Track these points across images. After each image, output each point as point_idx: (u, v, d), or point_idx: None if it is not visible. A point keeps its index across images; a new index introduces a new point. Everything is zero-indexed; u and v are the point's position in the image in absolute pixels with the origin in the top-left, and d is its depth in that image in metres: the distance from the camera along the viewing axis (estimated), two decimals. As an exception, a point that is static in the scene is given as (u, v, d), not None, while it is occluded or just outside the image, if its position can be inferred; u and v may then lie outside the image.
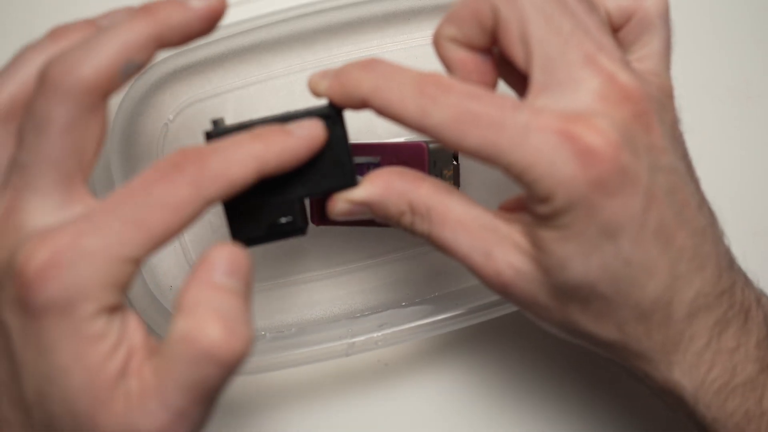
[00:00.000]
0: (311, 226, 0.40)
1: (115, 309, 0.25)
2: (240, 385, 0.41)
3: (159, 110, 0.40)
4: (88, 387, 0.24)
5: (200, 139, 0.40)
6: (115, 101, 0.37)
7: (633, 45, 0.31)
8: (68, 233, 0.24)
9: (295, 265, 0.41)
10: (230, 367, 0.25)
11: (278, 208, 0.29)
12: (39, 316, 0.24)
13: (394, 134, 0.40)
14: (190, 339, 0.24)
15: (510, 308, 0.38)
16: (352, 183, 0.29)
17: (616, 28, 0.30)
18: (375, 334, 0.37)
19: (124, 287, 0.25)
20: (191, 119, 0.40)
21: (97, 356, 0.24)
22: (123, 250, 0.24)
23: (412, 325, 0.38)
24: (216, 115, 0.40)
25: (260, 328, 0.40)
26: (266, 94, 0.40)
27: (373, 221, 0.35)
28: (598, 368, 0.42)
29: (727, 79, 0.43)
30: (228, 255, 0.26)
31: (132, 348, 0.25)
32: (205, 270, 0.25)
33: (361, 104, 0.28)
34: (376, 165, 0.35)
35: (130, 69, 0.26)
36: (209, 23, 0.28)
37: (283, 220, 0.29)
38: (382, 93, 0.27)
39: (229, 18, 0.36)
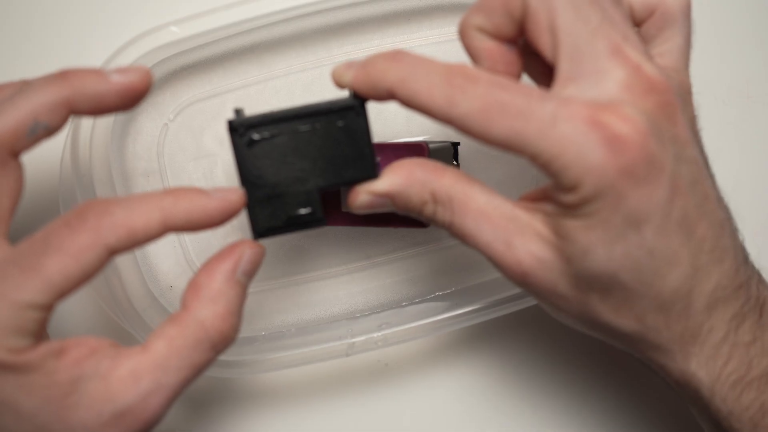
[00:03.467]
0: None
1: (25, 349, 0.26)
2: (240, 384, 0.41)
3: (159, 110, 0.40)
4: (47, 407, 0.26)
5: (200, 139, 0.40)
6: (115, 101, 0.37)
7: (654, 40, 0.31)
8: None
9: (295, 265, 0.41)
10: (220, 354, 0.28)
11: (298, 199, 0.29)
12: None
13: (394, 134, 0.40)
14: (207, 328, 0.27)
15: (510, 309, 0.38)
16: (373, 175, 0.29)
17: (638, 23, 0.31)
18: (375, 334, 0.37)
19: (32, 332, 0.26)
20: (191, 119, 0.40)
21: (42, 384, 0.26)
22: (21, 296, 0.25)
23: (412, 325, 0.38)
24: (216, 115, 0.40)
25: (260, 328, 0.40)
26: (266, 94, 0.40)
27: (373, 221, 0.35)
28: (602, 373, 0.42)
29: (727, 79, 0.43)
30: (252, 254, 0.29)
31: (83, 359, 0.26)
32: (231, 263, 0.28)
33: (387, 95, 0.28)
34: (378, 168, 0.35)
35: (38, 129, 0.27)
36: (127, 100, 0.28)
37: (303, 211, 0.30)
38: (409, 84, 0.27)
39: (229, 18, 0.36)
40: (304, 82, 0.40)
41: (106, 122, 0.37)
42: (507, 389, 0.42)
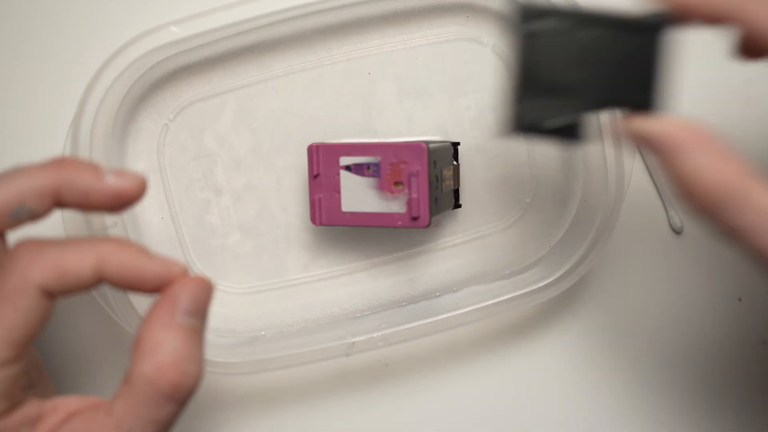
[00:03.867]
0: (311, 226, 0.40)
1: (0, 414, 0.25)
2: (240, 384, 0.41)
3: (159, 110, 0.40)
4: None
5: (200, 139, 0.40)
6: (116, 101, 0.37)
7: None
8: None
9: (296, 265, 0.41)
10: (185, 404, 0.26)
11: (566, 107, 0.27)
12: None
13: (395, 134, 0.40)
14: (153, 382, 0.25)
15: (510, 309, 0.38)
16: (651, 106, 0.27)
17: None
18: (375, 334, 0.37)
19: (4, 394, 0.25)
20: (191, 119, 0.40)
21: None
22: None
23: (412, 325, 0.38)
24: (216, 115, 0.40)
25: (260, 328, 0.40)
26: (266, 94, 0.40)
27: (373, 221, 0.35)
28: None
29: (727, 79, 0.43)
30: (192, 291, 0.26)
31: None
32: (166, 308, 0.26)
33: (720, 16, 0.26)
34: (376, 165, 0.35)
35: (22, 213, 0.26)
36: (116, 203, 0.27)
37: (566, 121, 0.27)
38: None
39: (229, 18, 0.36)
40: (304, 82, 0.40)
41: (106, 122, 0.37)
42: (507, 389, 0.42)
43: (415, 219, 0.34)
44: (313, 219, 0.36)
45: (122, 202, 0.27)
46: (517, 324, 0.42)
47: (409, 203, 0.34)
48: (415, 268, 0.41)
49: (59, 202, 0.27)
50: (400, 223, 0.35)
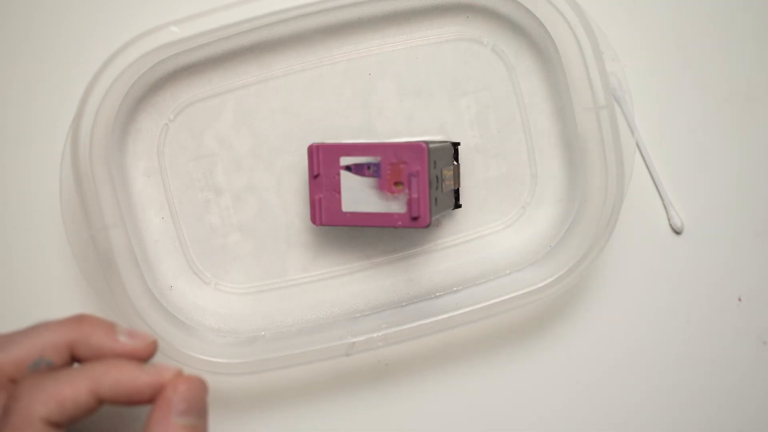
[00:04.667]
0: (311, 226, 0.40)
1: None
2: (240, 384, 0.41)
3: (159, 110, 0.40)
4: None
5: (200, 139, 0.40)
6: (116, 101, 0.37)
7: None
8: None
9: (296, 265, 0.41)
10: None
11: None
12: None
13: (395, 134, 0.40)
14: None
15: (511, 310, 0.38)
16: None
17: None
18: (375, 334, 0.37)
19: None
20: (191, 119, 0.40)
21: None
22: None
23: (412, 325, 0.38)
24: (216, 115, 0.40)
25: (260, 328, 0.40)
26: (266, 94, 0.40)
27: (373, 221, 0.35)
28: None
29: (727, 79, 0.43)
30: (184, 392, 0.28)
31: None
32: (164, 412, 0.28)
33: None
34: (377, 165, 0.35)
35: (41, 364, 0.28)
36: (133, 357, 0.29)
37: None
38: None
39: (229, 18, 0.36)
40: (304, 82, 0.40)
41: (106, 122, 0.37)
42: (507, 389, 0.42)
43: (415, 219, 0.34)
44: (313, 219, 0.36)
45: (138, 358, 0.29)
46: (517, 324, 0.42)
47: (410, 203, 0.34)
48: (415, 268, 0.41)
49: (73, 355, 0.29)
50: (400, 223, 0.35)
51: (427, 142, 0.35)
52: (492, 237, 0.41)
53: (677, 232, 0.42)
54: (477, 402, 0.42)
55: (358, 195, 0.35)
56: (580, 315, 0.42)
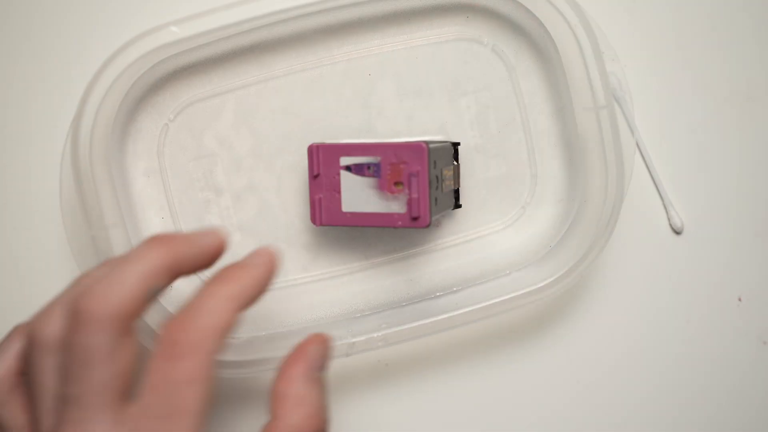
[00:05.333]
0: (311, 226, 0.40)
1: None
2: (240, 384, 0.41)
3: (159, 110, 0.40)
4: None
5: (200, 139, 0.40)
6: (116, 101, 0.37)
7: None
8: None
9: (296, 265, 0.41)
10: None
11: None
12: None
13: (395, 134, 0.40)
14: (301, 429, 0.29)
15: (511, 310, 0.38)
16: None
17: None
18: (375, 334, 0.37)
19: None
20: (191, 119, 0.40)
21: None
22: None
23: (412, 325, 0.38)
24: (216, 115, 0.40)
25: (260, 328, 0.40)
26: (266, 94, 0.40)
27: (372, 221, 0.35)
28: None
29: (727, 79, 0.43)
30: (321, 349, 0.31)
31: None
32: (304, 366, 0.30)
33: None
34: (377, 165, 0.35)
35: (151, 295, 0.27)
36: (213, 260, 0.30)
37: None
38: None
39: (229, 18, 0.36)
40: (304, 82, 0.40)
41: (106, 122, 0.37)
42: (507, 389, 0.42)
43: (415, 219, 0.34)
44: (313, 219, 0.36)
45: (220, 255, 0.30)
46: (517, 324, 0.42)
47: (409, 203, 0.34)
48: (415, 268, 0.41)
49: (177, 275, 0.28)
50: (400, 223, 0.35)
51: (427, 142, 0.35)
52: (492, 237, 0.41)
53: (677, 232, 0.42)
54: (477, 402, 0.42)
55: (358, 195, 0.35)
56: (580, 315, 0.42)
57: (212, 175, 0.40)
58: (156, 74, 0.39)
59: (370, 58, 0.40)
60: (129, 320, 0.26)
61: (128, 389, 0.26)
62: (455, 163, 0.39)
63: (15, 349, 0.29)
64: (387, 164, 0.34)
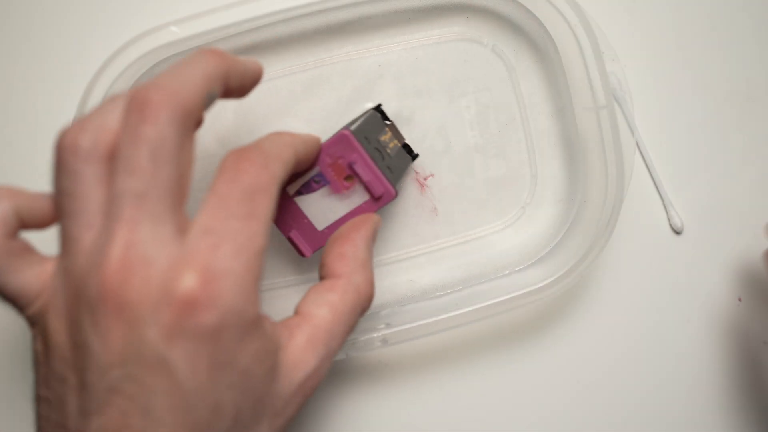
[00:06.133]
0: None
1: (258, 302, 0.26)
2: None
3: (159, 110, 0.40)
4: (269, 376, 0.26)
5: (200, 139, 0.40)
6: (115, 101, 0.37)
7: None
8: (202, 253, 0.24)
9: (296, 265, 0.41)
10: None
11: None
12: (214, 339, 0.24)
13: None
14: (361, 291, 0.30)
15: (511, 310, 0.38)
16: None
17: None
18: (375, 334, 0.37)
19: (260, 281, 0.26)
20: (191, 119, 0.40)
21: (266, 350, 0.26)
22: (256, 243, 0.25)
23: (412, 325, 0.38)
24: (216, 115, 0.40)
25: (260, 328, 0.40)
26: (266, 94, 0.40)
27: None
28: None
29: (727, 79, 0.43)
30: (378, 225, 0.32)
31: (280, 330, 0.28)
32: (370, 232, 0.31)
33: None
34: (319, 175, 0.34)
35: (210, 99, 0.27)
36: (255, 83, 0.30)
37: None
38: None
39: (229, 18, 0.36)
40: (304, 82, 0.40)
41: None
42: (507, 389, 0.42)
43: (380, 198, 0.34)
44: (301, 254, 0.36)
45: (257, 82, 0.30)
46: (517, 324, 0.42)
47: (367, 188, 0.34)
48: (415, 268, 0.41)
49: (227, 87, 0.28)
50: (375, 208, 0.34)
51: (347, 128, 0.34)
52: (492, 237, 0.41)
53: (677, 232, 0.42)
54: (477, 402, 0.42)
55: (322, 209, 0.35)
56: (580, 315, 0.42)
57: (212, 176, 0.40)
58: (156, 74, 0.39)
59: (370, 58, 0.40)
60: (194, 118, 0.25)
61: (185, 199, 0.26)
62: (387, 123, 0.39)
63: (118, 113, 0.26)
64: (327, 168, 0.34)
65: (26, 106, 0.42)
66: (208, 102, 0.26)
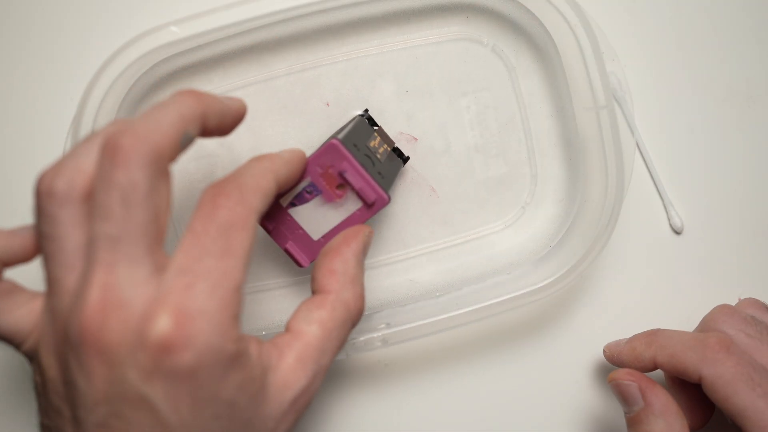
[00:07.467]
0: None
1: (240, 338, 0.26)
2: (240, 385, 0.41)
3: (159, 110, 0.40)
4: (255, 401, 0.26)
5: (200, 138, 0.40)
6: (116, 101, 0.37)
7: None
8: (176, 294, 0.24)
9: (293, 267, 0.41)
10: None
11: None
12: (192, 377, 0.24)
13: (395, 134, 0.40)
14: (350, 307, 0.30)
15: (511, 310, 0.38)
16: None
17: None
18: (375, 334, 0.37)
19: (239, 316, 0.26)
20: (191, 119, 0.40)
21: (251, 378, 0.26)
22: (232, 279, 0.25)
23: (412, 325, 0.38)
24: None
25: (260, 328, 0.40)
26: (266, 94, 0.40)
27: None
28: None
29: (727, 79, 0.43)
30: (369, 236, 0.32)
31: (267, 350, 0.28)
32: (359, 246, 0.31)
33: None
34: (311, 185, 0.34)
35: (186, 140, 0.27)
36: (237, 123, 0.30)
37: None
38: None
39: (229, 18, 0.36)
40: (304, 82, 0.40)
41: (106, 122, 0.37)
42: (507, 389, 0.42)
43: (373, 204, 0.34)
44: (299, 264, 0.36)
45: (240, 120, 0.30)
46: (517, 324, 0.42)
47: (360, 195, 0.34)
48: (415, 268, 0.41)
49: (205, 128, 0.28)
50: (369, 215, 0.35)
51: (335, 136, 0.34)
52: (492, 237, 0.41)
53: (677, 232, 0.42)
54: (477, 402, 0.42)
55: (316, 219, 0.35)
56: (580, 315, 0.42)
57: (212, 176, 0.40)
58: (156, 74, 0.39)
59: (370, 58, 0.40)
60: (167, 161, 0.26)
61: (162, 237, 0.26)
62: (375, 128, 0.39)
63: (94, 155, 0.26)
64: (318, 178, 0.34)
65: (26, 106, 0.42)
66: (184, 142, 0.27)
